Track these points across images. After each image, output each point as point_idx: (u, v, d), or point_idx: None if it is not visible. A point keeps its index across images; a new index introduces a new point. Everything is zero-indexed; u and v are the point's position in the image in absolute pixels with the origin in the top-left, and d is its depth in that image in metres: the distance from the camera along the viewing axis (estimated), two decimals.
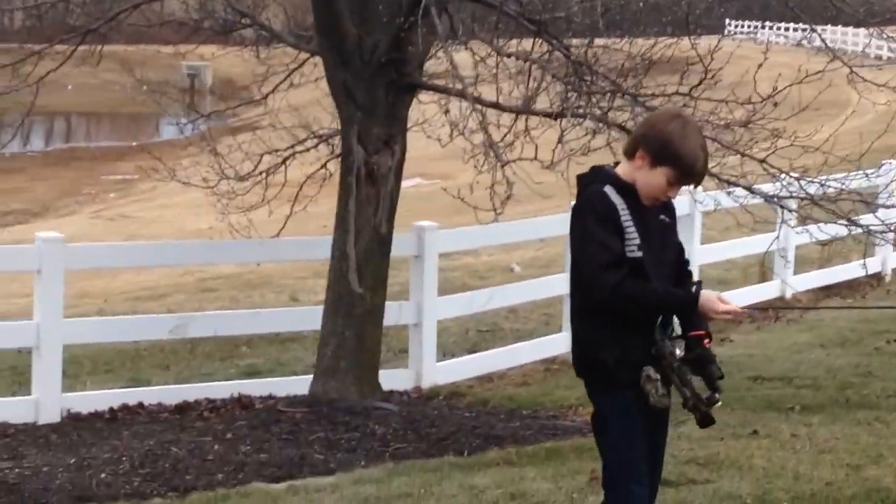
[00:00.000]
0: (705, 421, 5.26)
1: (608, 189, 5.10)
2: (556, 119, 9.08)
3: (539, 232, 13.46)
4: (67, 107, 50.39)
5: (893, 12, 18.04)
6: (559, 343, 12.24)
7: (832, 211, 9.61)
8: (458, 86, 9.23)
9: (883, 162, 16.01)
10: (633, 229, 5.05)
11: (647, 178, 5.09)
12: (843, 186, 10.72)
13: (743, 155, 8.97)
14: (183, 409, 9.99)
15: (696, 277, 5.53)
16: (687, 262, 5.45)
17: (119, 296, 17.86)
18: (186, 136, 14.44)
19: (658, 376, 5.11)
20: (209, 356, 13.22)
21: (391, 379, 10.67)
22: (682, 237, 5.58)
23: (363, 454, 8.79)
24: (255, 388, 10.50)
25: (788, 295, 14.94)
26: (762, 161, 9.05)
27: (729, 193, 10.61)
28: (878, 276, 16.36)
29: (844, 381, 10.71)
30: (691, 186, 5.34)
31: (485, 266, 17.75)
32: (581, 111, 8.94)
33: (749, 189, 9.48)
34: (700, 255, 13.84)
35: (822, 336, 12.92)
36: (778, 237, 11.76)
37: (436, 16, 8.76)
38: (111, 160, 44.43)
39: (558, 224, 11.68)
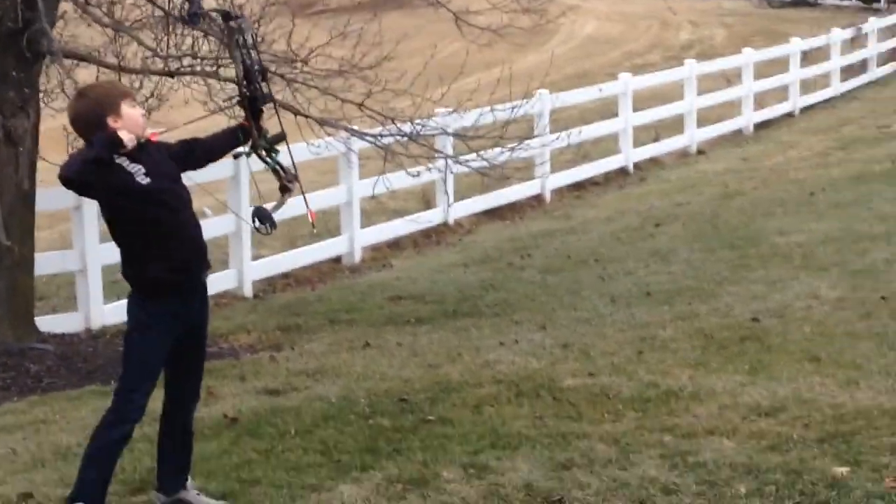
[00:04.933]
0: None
1: None
2: (172, 77, 10.20)
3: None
4: None
5: None
6: (230, 278, 13.35)
7: (430, 147, 11.02)
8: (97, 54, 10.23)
9: (535, 92, 17.43)
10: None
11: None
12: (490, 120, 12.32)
13: (342, 100, 10.22)
14: None
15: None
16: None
17: None
18: None
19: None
20: None
21: (61, 322, 11.63)
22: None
23: (16, 391, 9.81)
24: None
25: (451, 220, 16.34)
26: (360, 105, 10.31)
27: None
28: (538, 198, 17.90)
29: (467, 294, 12.12)
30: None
31: None
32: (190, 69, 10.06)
33: (350, 131, 10.76)
34: (359, 189, 14.97)
35: (468, 256, 14.34)
36: (430, 170, 13.01)
37: None
38: None
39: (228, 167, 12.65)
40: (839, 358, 8.81)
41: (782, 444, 7.15)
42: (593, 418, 7.89)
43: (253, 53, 6.69)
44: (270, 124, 6.80)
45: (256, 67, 6.68)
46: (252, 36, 6.76)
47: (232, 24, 6.83)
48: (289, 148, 6.92)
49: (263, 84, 6.68)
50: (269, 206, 6.71)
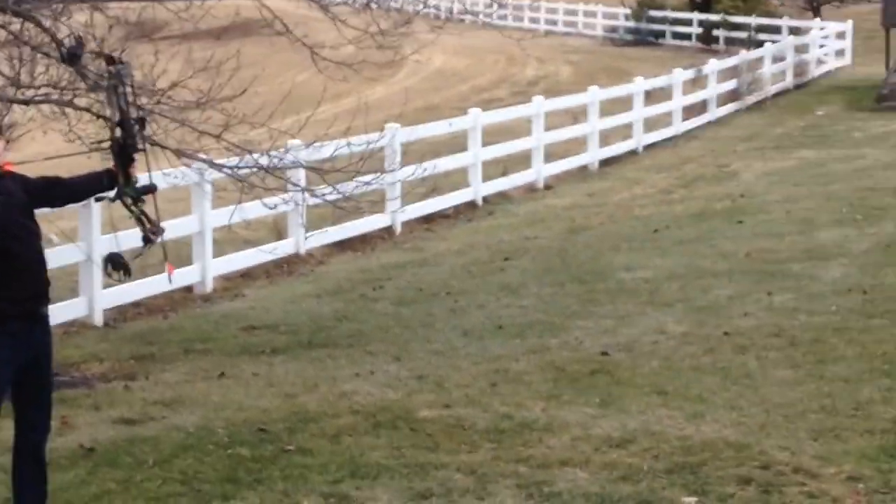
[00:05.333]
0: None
1: None
2: (27, 105, 10.17)
3: None
4: None
5: None
6: (80, 306, 13.24)
7: (284, 178, 11.14)
8: None
9: (385, 126, 17.63)
10: None
11: None
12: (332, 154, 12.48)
13: (199, 132, 10.28)
14: None
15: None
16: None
17: None
18: None
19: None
20: None
21: None
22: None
23: None
24: None
25: (303, 250, 16.41)
26: (217, 136, 10.39)
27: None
28: (389, 230, 18.06)
29: (321, 325, 12.22)
30: None
31: None
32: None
33: (210, 162, 10.82)
34: (212, 218, 14.93)
35: (321, 287, 14.44)
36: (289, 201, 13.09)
37: None
38: None
39: None
40: (686, 391, 9.12)
41: (633, 475, 7.40)
42: (450, 449, 8.06)
43: (130, 99, 6.74)
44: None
45: (133, 116, 6.73)
46: (131, 83, 6.81)
47: (112, 69, 6.87)
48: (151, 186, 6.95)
49: (138, 133, 6.73)
50: (132, 247, 6.76)
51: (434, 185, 19.76)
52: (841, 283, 12.60)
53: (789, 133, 27.99)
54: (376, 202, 16.85)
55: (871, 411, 8.39)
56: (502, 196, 21.21)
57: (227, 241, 15.92)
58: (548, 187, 22.34)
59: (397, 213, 18.03)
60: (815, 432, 8.04)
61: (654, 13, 55.59)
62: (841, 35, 43.25)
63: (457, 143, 21.25)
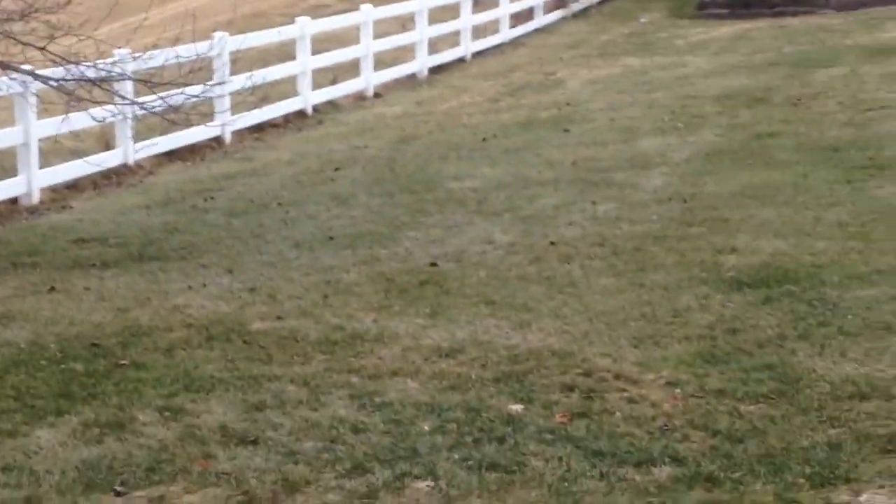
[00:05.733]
0: None
1: None
2: None
3: None
4: None
5: None
6: None
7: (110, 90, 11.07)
8: None
9: (213, 35, 17.49)
10: None
11: None
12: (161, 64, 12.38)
13: (23, 44, 10.15)
14: None
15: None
16: None
17: None
18: None
19: None
20: None
21: None
22: None
23: None
24: None
25: (132, 161, 16.28)
26: (42, 49, 10.27)
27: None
28: (218, 140, 17.98)
29: (151, 237, 12.20)
30: None
31: None
32: None
33: (33, 74, 10.70)
34: (37, 129, 14.71)
35: (150, 198, 14.37)
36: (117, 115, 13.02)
37: None
38: None
39: None
40: (512, 301, 9.38)
41: (462, 384, 7.65)
42: (283, 361, 8.21)
43: None
44: None
45: None
46: None
47: None
48: None
49: None
50: None
51: (264, 95, 19.70)
52: (662, 191, 12.99)
53: (614, 40, 28.42)
54: (206, 114, 16.80)
55: (689, 318, 8.75)
56: (332, 105, 21.23)
57: (53, 152, 15.71)
58: (377, 95, 22.41)
59: (227, 123, 17.94)
60: (635, 339, 8.37)
61: None
62: None
63: (285, 52, 21.17)
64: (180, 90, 12.12)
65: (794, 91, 18.95)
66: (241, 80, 15.90)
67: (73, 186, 15.26)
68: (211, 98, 16.61)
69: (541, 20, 31.11)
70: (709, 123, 16.82)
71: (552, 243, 11.03)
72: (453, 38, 26.65)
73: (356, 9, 23.01)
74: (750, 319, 8.63)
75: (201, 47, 13.90)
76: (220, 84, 15.39)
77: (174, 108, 12.37)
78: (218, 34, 17.77)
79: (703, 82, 20.72)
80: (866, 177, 12.87)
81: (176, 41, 13.28)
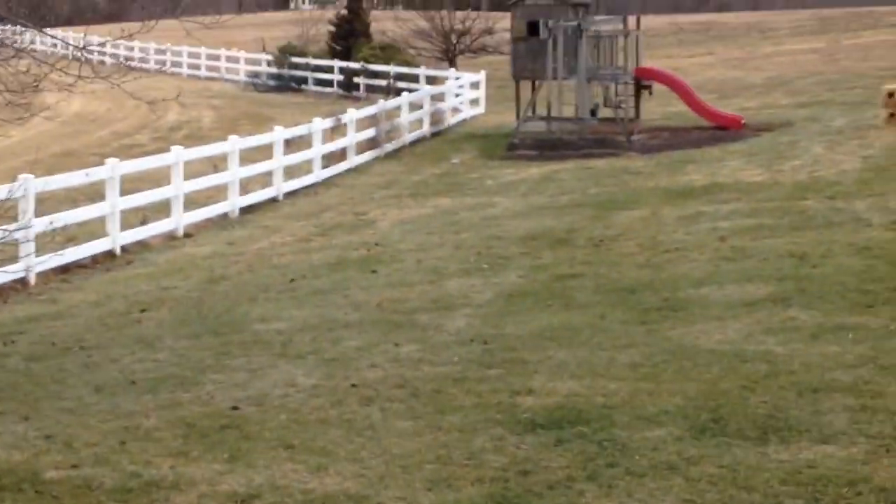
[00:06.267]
0: None
1: None
2: None
3: None
4: None
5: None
6: None
7: None
8: None
9: (18, 177, 17.41)
10: None
11: None
12: None
13: None
14: None
15: None
16: None
17: None
18: None
19: None
20: None
21: None
22: None
23: None
24: None
25: None
26: None
27: None
28: (23, 281, 17.78)
29: None
30: None
31: None
32: None
33: None
34: None
35: None
36: None
37: None
38: None
39: None
40: (311, 444, 9.45)
41: None
42: None
43: None
44: None
45: None
46: None
47: None
48: None
49: None
50: None
51: (71, 235, 19.61)
52: (464, 332, 13.23)
53: (425, 181, 28.94)
54: (11, 256, 16.66)
55: (483, 460, 8.91)
56: (142, 245, 21.19)
57: None
58: (188, 235, 22.43)
59: (31, 265, 17.79)
60: (429, 482, 8.50)
61: (296, 59, 56.42)
62: (475, 85, 44.97)
63: (95, 191, 21.12)
64: None
65: (598, 232, 19.49)
66: (44, 223, 15.83)
67: None
68: (16, 240, 16.54)
69: (353, 160, 31.57)
70: (513, 264, 17.19)
71: (354, 385, 11.15)
72: (266, 179, 26.88)
73: (168, 149, 23.10)
74: (542, 461, 8.83)
75: (3, 190, 13.87)
76: (23, 229, 15.32)
77: None
78: (22, 176, 17.69)
79: (509, 223, 21.19)
80: (660, 318, 13.28)
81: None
